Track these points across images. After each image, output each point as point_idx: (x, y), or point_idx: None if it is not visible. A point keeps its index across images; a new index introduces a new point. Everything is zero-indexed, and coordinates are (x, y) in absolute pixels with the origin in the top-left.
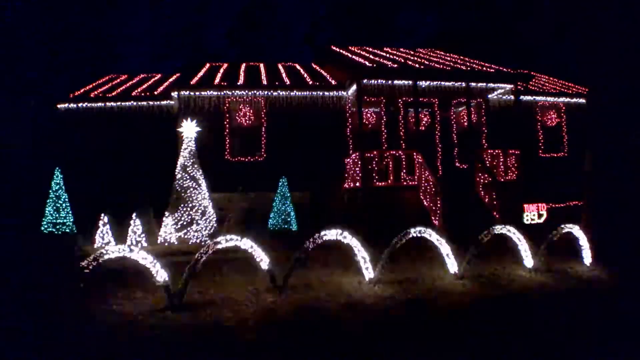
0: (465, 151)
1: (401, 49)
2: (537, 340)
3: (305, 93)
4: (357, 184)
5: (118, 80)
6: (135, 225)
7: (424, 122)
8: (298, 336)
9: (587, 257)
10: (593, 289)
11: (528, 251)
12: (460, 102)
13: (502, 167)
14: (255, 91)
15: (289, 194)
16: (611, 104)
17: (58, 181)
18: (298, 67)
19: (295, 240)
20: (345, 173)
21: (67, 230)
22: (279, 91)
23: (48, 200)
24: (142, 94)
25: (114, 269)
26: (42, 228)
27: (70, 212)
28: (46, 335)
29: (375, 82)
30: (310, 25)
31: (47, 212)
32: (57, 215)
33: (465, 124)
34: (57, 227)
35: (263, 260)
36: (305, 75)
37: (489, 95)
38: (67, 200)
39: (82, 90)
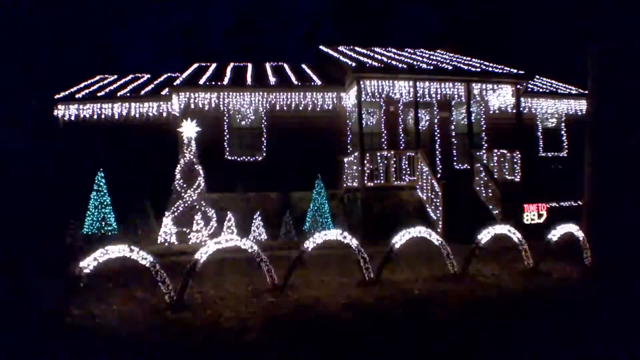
0: (465, 151)
1: (402, 49)
2: (536, 340)
3: (305, 93)
4: (357, 184)
5: (118, 80)
6: (136, 225)
7: (424, 122)
8: (297, 336)
9: (587, 257)
10: (592, 290)
11: (528, 252)
12: (461, 102)
13: (502, 167)
14: (255, 91)
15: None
16: (611, 104)
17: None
18: (298, 67)
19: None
20: (345, 173)
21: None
22: (279, 91)
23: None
24: (142, 94)
25: (114, 268)
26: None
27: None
28: (41, 336)
29: (375, 82)
30: (310, 25)
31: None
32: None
33: (465, 124)
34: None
35: (263, 260)
36: (306, 75)
37: (489, 95)
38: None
39: (82, 90)
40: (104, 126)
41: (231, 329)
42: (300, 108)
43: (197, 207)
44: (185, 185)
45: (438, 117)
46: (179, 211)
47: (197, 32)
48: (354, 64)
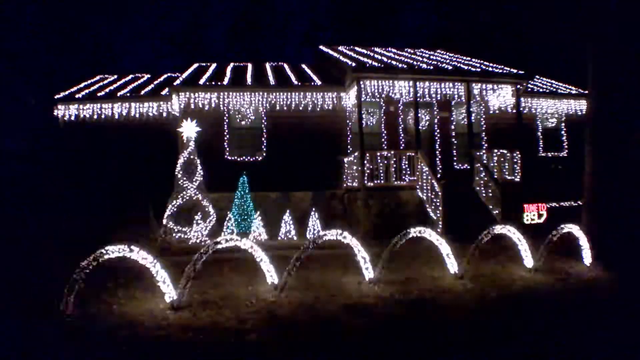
0: (465, 151)
1: (401, 49)
2: (536, 340)
3: (305, 93)
4: (357, 184)
5: (118, 80)
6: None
7: (424, 122)
8: (298, 336)
9: (587, 257)
10: (593, 289)
11: (528, 251)
12: (461, 102)
13: (502, 167)
14: (255, 91)
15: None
16: (612, 103)
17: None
18: (298, 67)
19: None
20: (345, 173)
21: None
22: (279, 91)
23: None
24: (142, 94)
25: (114, 268)
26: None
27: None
28: (43, 337)
29: (375, 81)
30: (310, 25)
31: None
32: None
33: (465, 124)
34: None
35: (263, 260)
36: (305, 75)
37: (489, 95)
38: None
39: (82, 90)
40: (103, 126)
41: (231, 329)
42: (300, 108)
43: (197, 207)
44: (185, 186)
45: (438, 117)
46: (178, 211)
47: (197, 32)
48: (353, 64)
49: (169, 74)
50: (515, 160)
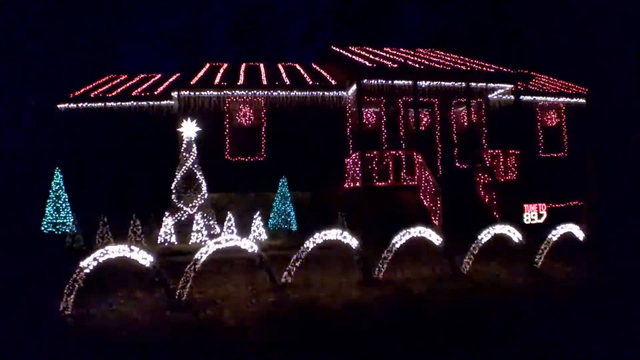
0: (465, 151)
1: (401, 49)
2: (536, 340)
3: (305, 93)
4: (357, 184)
5: (118, 80)
6: (135, 225)
7: (424, 122)
8: (297, 336)
9: (587, 257)
10: (592, 289)
11: (528, 251)
12: (460, 102)
13: (502, 167)
14: (255, 91)
15: (289, 194)
16: (611, 104)
17: (58, 181)
18: (298, 67)
19: (295, 240)
20: (345, 173)
21: (67, 230)
22: (279, 91)
23: (48, 200)
24: (142, 94)
25: (114, 268)
26: (42, 228)
27: (70, 212)
28: (43, 337)
29: (375, 82)
30: (309, 25)
31: (47, 212)
32: (57, 215)
33: (465, 124)
34: (57, 227)
35: (263, 259)
36: (305, 75)
37: (489, 95)
38: (67, 200)
39: (82, 90)
40: (103, 126)
41: (231, 329)
42: (301, 108)
43: (197, 207)
44: (184, 185)
45: (438, 117)
46: (178, 211)
47: (198, 32)
48: (354, 64)
49: (169, 74)
50: (515, 160)
